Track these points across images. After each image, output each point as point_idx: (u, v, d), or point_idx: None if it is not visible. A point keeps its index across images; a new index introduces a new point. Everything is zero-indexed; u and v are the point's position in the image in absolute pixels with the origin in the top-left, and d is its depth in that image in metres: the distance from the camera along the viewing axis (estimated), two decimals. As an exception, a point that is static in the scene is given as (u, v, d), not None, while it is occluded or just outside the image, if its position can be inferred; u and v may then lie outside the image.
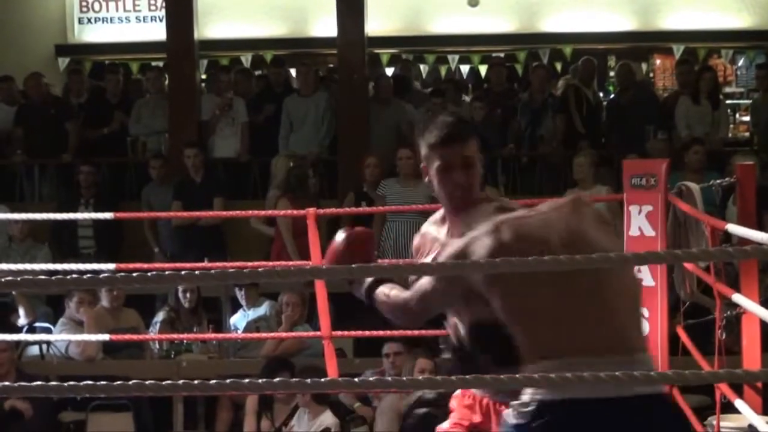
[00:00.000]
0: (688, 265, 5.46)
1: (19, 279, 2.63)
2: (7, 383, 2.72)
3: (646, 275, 5.51)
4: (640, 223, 5.64)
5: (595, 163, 9.20)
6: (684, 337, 5.60)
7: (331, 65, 12.24)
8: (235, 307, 8.55)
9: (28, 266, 6.54)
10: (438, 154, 3.47)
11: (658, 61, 13.71)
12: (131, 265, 6.44)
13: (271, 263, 7.49)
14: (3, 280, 2.66)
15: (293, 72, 11.62)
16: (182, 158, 9.54)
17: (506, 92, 10.94)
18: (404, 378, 2.60)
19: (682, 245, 5.48)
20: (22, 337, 7.90)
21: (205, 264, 7.16)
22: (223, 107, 10.27)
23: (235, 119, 10.28)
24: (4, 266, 6.36)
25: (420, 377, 2.66)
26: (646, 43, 13.33)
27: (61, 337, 7.89)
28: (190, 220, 9.17)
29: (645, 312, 5.55)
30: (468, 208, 3.52)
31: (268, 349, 7.93)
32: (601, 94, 12.00)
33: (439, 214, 3.69)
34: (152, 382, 2.66)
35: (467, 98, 11.45)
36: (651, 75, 13.68)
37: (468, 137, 3.50)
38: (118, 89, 11.00)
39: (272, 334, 7.88)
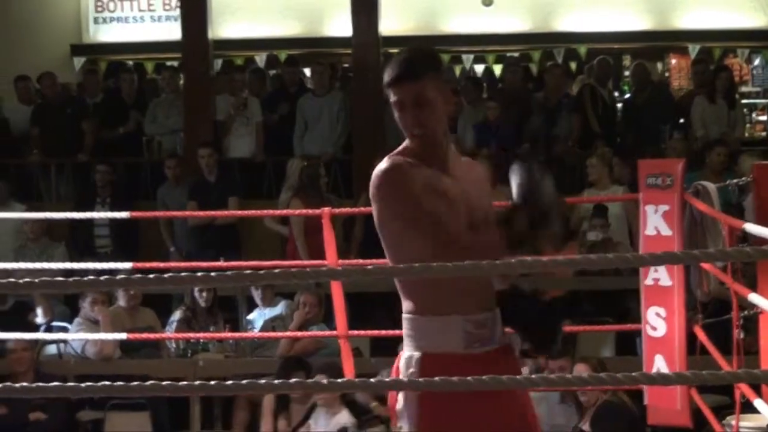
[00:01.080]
0: (706, 265, 5.44)
1: (36, 281, 2.64)
2: (25, 384, 2.72)
3: (663, 275, 5.49)
4: (656, 223, 5.60)
5: (609, 163, 9.16)
6: (702, 336, 5.58)
7: (346, 65, 12.24)
8: (252, 306, 8.54)
9: (45, 265, 6.58)
10: (391, 92, 3.35)
11: (673, 61, 13.68)
12: (148, 265, 6.45)
13: (286, 263, 7.49)
14: (21, 281, 2.66)
15: (307, 72, 11.62)
16: (197, 158, 9.55)
17: (521, 92, 10.91)
18: (421, 379, 2.61)
19: (699, 245, 5.45)
20: (40, 336, 7.91)
21: (221, 263, 7.16)
22: (237, 107, 10.28)
23: (250, 119, 10.29)
24: (22, 265, 6.39)
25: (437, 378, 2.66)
26: (661, 42, 13.30)
27: (78, 336, 7.88)
28: (205, 220, 9.18)
29: (662, 312, 5.55)
30: (441, 144, 3.39)
31: (284, 348, 7.92)
32: (617, 94, 11.97)
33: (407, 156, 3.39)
34: (169, 382, 2.69)
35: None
36: (666, 74, 13.64)
37: (422, 75, 3.32)
38: (133, 89, 11.02)
39: (289, 333, 7.86)
